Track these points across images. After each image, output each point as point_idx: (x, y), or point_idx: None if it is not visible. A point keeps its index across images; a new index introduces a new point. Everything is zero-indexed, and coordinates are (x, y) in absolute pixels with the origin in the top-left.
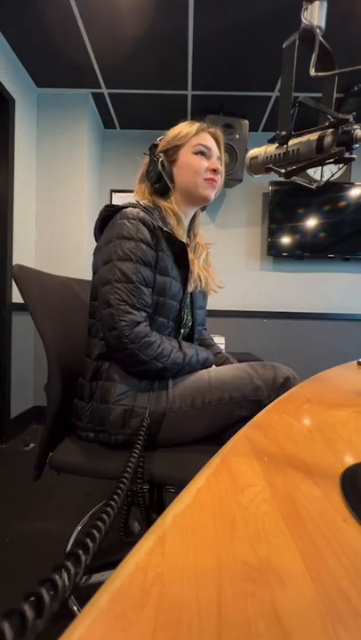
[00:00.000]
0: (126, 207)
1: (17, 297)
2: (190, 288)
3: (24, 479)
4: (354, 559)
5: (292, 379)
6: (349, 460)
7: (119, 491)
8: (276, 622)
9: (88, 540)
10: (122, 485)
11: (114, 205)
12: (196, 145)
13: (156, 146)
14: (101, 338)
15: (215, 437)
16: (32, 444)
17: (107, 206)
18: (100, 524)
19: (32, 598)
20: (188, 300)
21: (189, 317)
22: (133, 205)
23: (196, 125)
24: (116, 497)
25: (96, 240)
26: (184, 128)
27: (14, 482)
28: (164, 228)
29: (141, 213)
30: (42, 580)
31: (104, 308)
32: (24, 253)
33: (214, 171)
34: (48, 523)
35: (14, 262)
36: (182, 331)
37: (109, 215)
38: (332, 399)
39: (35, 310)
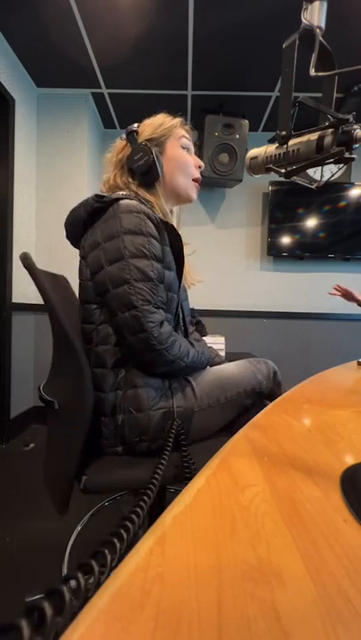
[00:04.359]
0: (122, 199)
1: (17, 297)
2: (183, 280)
3: (24, 479)
4: (354, 559)
5: (277, 371)
6: (349, 460)
7: (150, 491)
8: (276, 622)
9: (105, 551)
10: (152, 486)
11: (103, 196)
12: (182, 137)
13: (136, 132)
14: (115, 344)
15: (224, 428)
16: (32, 444)
17: (97, 196)
18: (123, 532)
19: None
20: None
21: (180, 310)
22: (129, 197)
23: (178, 119)
24: (142, 504)
25: (72, 235)
26: (166, 119)
27: (14, 482)
28: (169, 222)
29: (142, 206)
30: (65, 578)
31: (123, 311)
32: None
33: (198, 167)
34: (48, 523)
35: (14, 262)
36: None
37: (100, 207)
38: (332, 399)
39: (51, 303)
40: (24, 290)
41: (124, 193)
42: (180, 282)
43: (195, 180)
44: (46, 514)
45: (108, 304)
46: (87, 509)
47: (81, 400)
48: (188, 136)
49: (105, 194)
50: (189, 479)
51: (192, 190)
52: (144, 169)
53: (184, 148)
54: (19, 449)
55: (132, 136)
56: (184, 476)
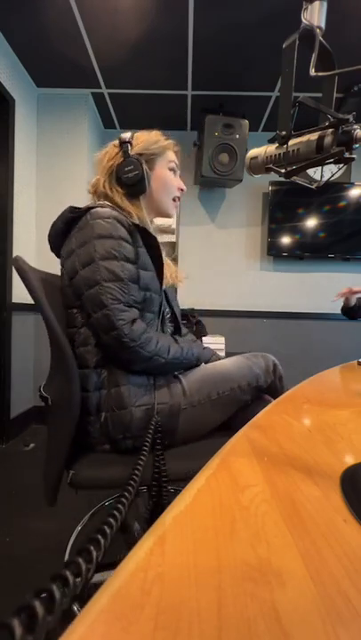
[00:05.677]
0: (94, 207)
1: (17, 297)
2: (165, 280)
3: (24, 479)
4: (354, 559)
5: (278, 364)
6: (349, 460)
7: (130, 487)
8: (276, 622)
9: (91, 548)
10: (130, 488)
11: (78, 207)
12: (171, 162)
13: (129, 143)
14: (95, 344)
15: (225, 426)
16: (32, 444)
17: (72, 207)
18: (106, 528)
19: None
20: (164, 293)
21: (168, 310)
22: (102, 205)
23: (171, 141)
24: (123, 500)
25: (54, 246)
26: (160, 138)
27: (14, 482)
28: (140, 225)
29: (114, 212)
30: (53, 577)
31: (96, 311)
32: (24, 253)
33: (181, 190)
34: (48, 523)
35: None
36: (167, 324)
37: (75, 217)
38: (332, 399)
39: (42, 306)
40: (24, 290)
41: (100, 202)
42: (160, 282)
43: (174, 200)
44: (46, 514)
45: (84, 306)
46: (87, 509)
47: (68, 399)
48: (176, 160)
49: (77, 206)
50: (164, 480)
51: (172, 209)
52: (133, 181)
53: (170, 170)
54: (19, 449)
55: (125, 146)
56: (161, 477)
